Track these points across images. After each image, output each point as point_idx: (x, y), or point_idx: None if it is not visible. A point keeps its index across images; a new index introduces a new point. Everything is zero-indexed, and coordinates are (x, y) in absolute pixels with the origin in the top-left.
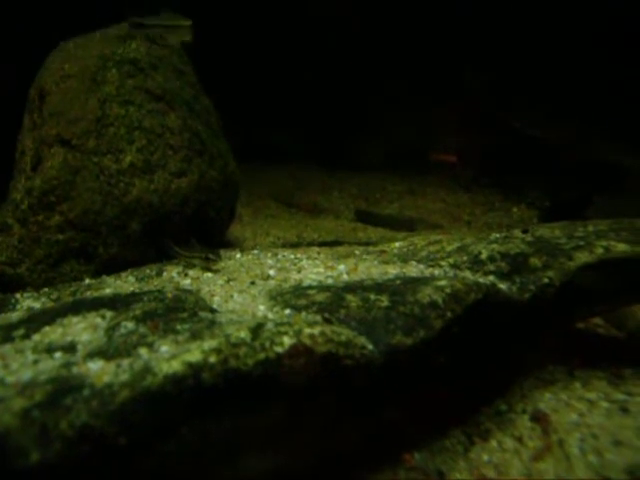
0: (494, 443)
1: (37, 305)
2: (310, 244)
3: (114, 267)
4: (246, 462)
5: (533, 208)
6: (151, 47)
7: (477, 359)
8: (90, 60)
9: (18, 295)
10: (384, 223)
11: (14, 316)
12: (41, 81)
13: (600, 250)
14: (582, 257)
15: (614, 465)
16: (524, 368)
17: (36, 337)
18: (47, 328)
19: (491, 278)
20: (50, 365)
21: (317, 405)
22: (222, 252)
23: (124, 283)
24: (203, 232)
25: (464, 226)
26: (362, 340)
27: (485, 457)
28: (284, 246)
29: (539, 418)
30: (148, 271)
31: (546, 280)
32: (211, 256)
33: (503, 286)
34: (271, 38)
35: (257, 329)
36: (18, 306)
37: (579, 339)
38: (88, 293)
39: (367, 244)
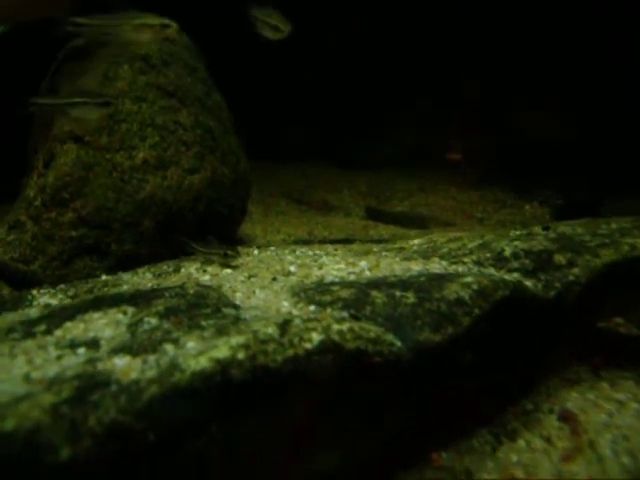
0: (522, 443)
1: (54, 301)
2: (321, 242)
3: (128, 264)
4: (275, 460)
5: (545, 206)
6: (162, 43)
7: (502, 356)
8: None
9: (34, 291)
10: (395, 221)
11: (32, 312)
12: None
13: (626, 247)
14: (608, 255)
15: None
16: (548, 366)
17: (58, 333)
18: (68, 324)
19: (516, 275)
20: (74, 361)
21: (345, 403)
22: (240, 248)
23: (141, 279)
24: (215, 229)
25: (477, 224)
26: (390, 337)
27: (514, 457)
28: (296, 243)
29: (567, 418)
30: (165, 267)
31: (572, 277)
32: (230, 252)
33: (529, 283)
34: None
35: (285, 325)
36: (35, 302)
37: (601, 338)
38: (105, 289)
39: (379, 241)
